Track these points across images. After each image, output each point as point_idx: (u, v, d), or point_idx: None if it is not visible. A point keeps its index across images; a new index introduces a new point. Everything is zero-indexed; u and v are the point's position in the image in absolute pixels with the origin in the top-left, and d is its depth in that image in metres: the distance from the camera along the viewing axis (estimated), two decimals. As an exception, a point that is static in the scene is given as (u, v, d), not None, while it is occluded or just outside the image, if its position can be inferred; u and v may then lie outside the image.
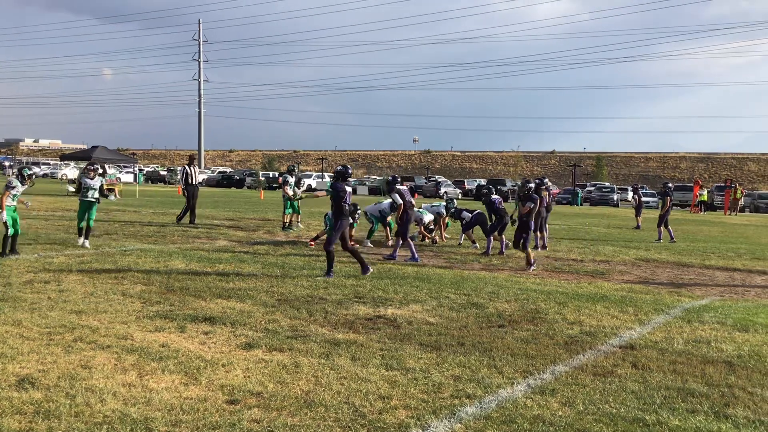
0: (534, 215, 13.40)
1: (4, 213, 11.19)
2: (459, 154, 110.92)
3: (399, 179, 14.07)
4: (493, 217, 15.15)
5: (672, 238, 19.82)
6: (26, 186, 11.65)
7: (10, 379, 5.13)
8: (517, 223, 13.19)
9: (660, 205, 20.85)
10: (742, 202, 49.38)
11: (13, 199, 11.39)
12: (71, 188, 34.63)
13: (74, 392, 4.89)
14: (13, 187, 11.36)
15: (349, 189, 10.92)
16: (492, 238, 14.86)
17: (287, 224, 18.71)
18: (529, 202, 12.98)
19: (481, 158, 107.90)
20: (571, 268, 13.03)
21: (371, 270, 10.98)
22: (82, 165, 47.40)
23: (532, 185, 13.54)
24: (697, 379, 5.85)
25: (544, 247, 16.02)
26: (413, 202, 13.88)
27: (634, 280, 11.90)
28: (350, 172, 11.20)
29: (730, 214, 44.49)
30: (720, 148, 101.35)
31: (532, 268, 12.49)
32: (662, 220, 19.96)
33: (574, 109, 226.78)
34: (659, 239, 19.85)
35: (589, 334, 7.37)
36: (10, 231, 11.33)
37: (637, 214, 25.30)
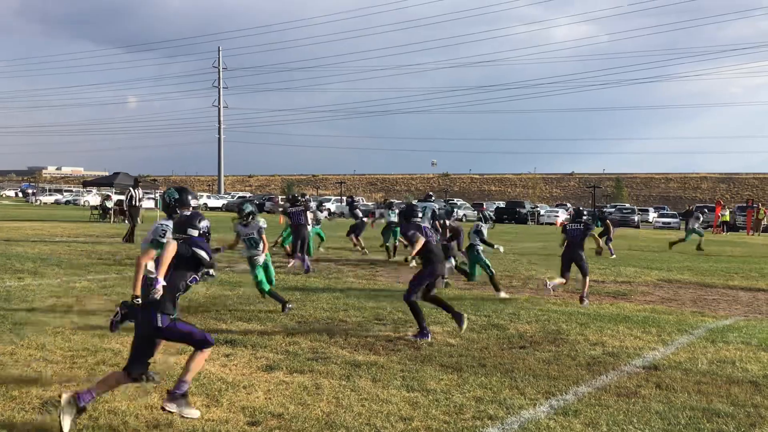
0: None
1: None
2: (477, 176, 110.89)
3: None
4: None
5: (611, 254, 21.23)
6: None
7: (33, 402, 5.17)
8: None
9: (604, 229, 23.07)
10: (765, 222, 48.77)
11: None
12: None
13: (97, 414, 4.92)
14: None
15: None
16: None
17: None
18: None
19: (500, 180, 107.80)
20: (592, 290, 12.91)
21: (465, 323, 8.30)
22: (104, 191, 47.92)
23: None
24: (722, 399, 5.76)
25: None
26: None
27: (657, 300, 11.77)
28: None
29: (752, 235, 43.95)
30: (742, 168, 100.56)
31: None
32: (607, 240, 21.66)
33: (594, 130, 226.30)
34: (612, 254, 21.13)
35: (612, 355, 7.29)
36: None
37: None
